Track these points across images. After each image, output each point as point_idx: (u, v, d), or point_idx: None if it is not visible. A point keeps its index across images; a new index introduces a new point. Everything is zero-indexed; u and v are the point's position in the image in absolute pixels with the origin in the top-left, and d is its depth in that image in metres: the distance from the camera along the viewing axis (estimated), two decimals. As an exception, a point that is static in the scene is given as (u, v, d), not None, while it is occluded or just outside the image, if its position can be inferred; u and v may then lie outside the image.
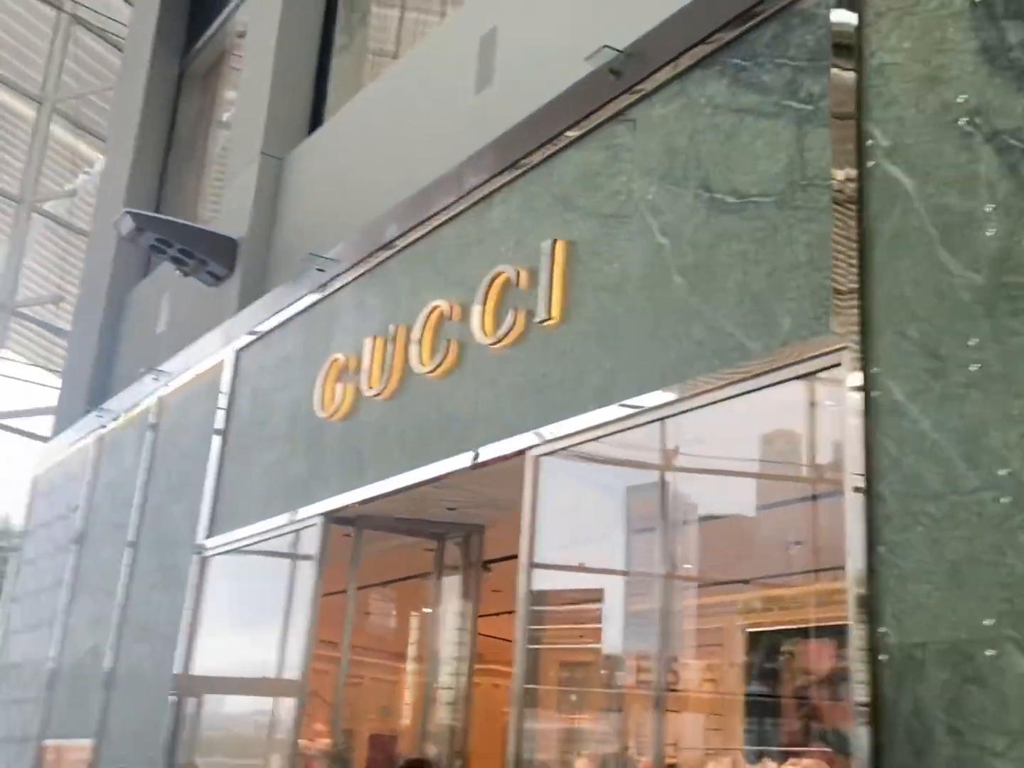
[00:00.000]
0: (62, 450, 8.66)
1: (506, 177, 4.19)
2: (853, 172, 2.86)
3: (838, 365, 2.79)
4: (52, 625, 7.45)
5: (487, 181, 4.29)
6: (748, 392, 3.05)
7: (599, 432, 3.54)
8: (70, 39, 18.88)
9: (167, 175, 9.84)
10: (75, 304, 10.56)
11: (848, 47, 2.95)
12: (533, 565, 3.68)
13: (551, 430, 3.69)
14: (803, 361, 2.88)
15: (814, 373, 2.89)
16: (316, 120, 7.01)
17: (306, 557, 4.96)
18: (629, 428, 3.46)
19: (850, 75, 2.93)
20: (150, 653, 5.86)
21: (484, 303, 4.08)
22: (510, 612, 8.59)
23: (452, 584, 5.65)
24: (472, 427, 4.07)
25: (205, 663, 5.45)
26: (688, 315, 3.28)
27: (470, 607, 5.54)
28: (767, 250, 3.07)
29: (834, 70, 2.98)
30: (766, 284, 3.05)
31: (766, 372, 2.97)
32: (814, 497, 3.30)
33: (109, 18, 18.70)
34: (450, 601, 5.72)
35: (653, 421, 3.37)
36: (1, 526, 18.90)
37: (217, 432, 5.99)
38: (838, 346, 2.78)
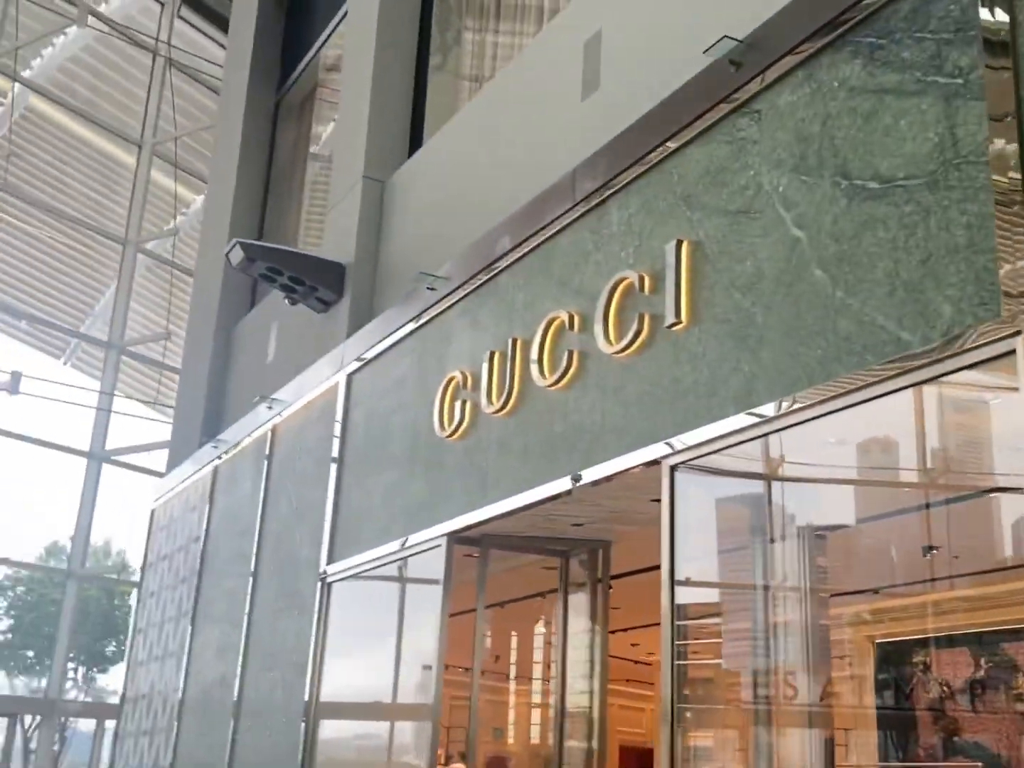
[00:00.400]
0: (179, 482, 8.84)
1: (623, 180, 4.07)
2: (1014, 145, 2.66)
3: (1011, 352, 2.59)
4: (178, 655, 7.56)
5: (603, 186, 4.18)
6: (907, 387, 2.86)
7: (740, 438, 3.38)
8: (165, 83, 19.54)
9: (267, 206, 10.03)
10: (184, 339, 10.80)
11: (998, 12, 2.76)
12: (676, 582, 3.52)
13: (686, 438, 3.54)
14: (971, 350, 2.68)
15: (984, 363, 2.68)
16: (415, 141, 7.02)
17: (431, 580, 4.89)
18: (773, 432, 3.29)
19: (1003, 41, 2.73)
20: (279, 680, 5.87)
21: (606, 311, 3.96)
22: (625, 630, 8.38)
23: (578, 602, 5.52)
24: (599, 439, 3.94)
25: (335, 689, 5.42)
26: (832, 309, 3.10)
27: (599, 625, 5.40)
28: (919, 236, 2.88)
29: (984, 38, 2.79)
30: (921, 272, 2.86)
31: (928, 364, 2.78)
32: (990, 495, 3.08)
33: (201, 58, 19.27)
34: (577, 619, 5.59)
35: (798, 424, 3.19)
36: (115, 560, 19.45)
37: (334, 457, 6.00)
38: (1010, 331, 2.58)
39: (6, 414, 15.40)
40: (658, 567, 3.66)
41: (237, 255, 6.12)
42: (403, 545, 5.04)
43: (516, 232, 4.74)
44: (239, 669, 6.39)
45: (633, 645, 9.09)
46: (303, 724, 5.38)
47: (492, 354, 4.66)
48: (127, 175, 19.32)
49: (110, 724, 18.27)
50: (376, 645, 5.41)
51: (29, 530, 18.43)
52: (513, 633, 6.25)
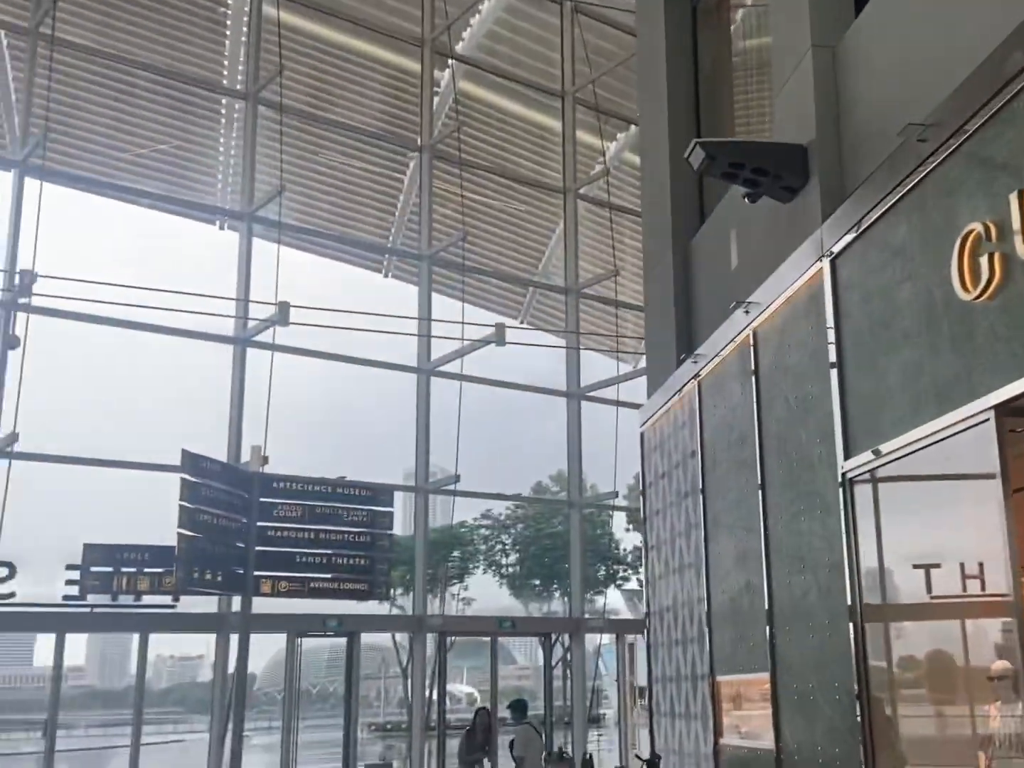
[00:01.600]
0: (663, 402, 8.98)
1: None
2: None
3: None
4: (696, 566, 7.70)
5: None
6: None
7: None
8: (574, 32, 20.05)
9: (700, 116, 9.79)
10: (643, 267, 10.98)
11: None
12: None
13: None
14: None
15: None
16: (861, -5, 6.31)
17: (974, 465, 4.37)
18: None
19: None
20: (812, 583, 5.68)
21: None
22: None
23: None
24: None
25: (879, 589, 5.09)
26: None
27: None
28: None
29: None
30: None
31: None
32: None
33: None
34: None
35: None
36: (591, 492, 20.62)
37: (832, 347, 5.63)
38: None
39: (492, 365, 16.94)
40: None
41: (698, 156, 5.94)
42: (937, 427, 4.55)
43: (1031, 42, 3.99)
44: (764, 574, 6.31)
45: None
46: (851, 626, 5.14)
47: (1022, 192, 3.98)
48: (537, 132, 20.10)
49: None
50: (914, 538, 4.99)
51: (517, 470, 20.16)
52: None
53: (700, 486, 7.73)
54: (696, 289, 9.03)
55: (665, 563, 8.62)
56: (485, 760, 12.99)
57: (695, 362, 8.10)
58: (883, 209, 5.16)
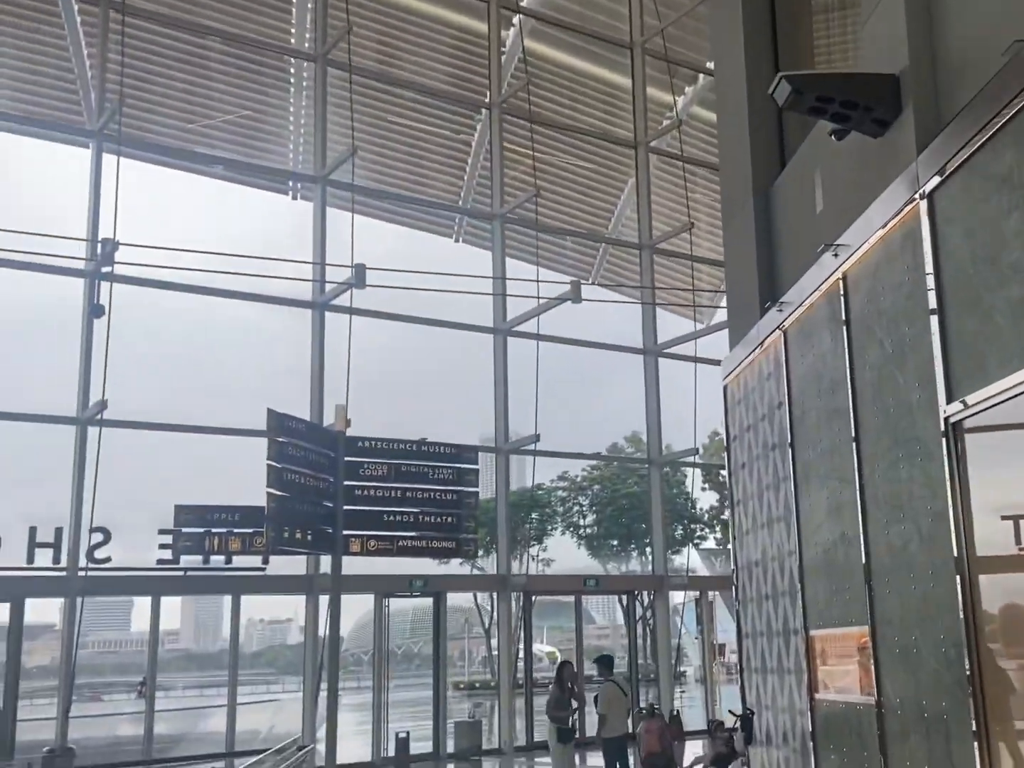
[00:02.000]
0: (746, 354, 8.75)
1: None
2: None
3: None
4: (786, 520, 7.50)
5: None
6: None
7: None
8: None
9: (779, 58, 9.43)
10: (722, 217, 10.68)
11: None
12: None
13: None
14: None
15: None
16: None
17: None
18: None
19: None
20: (913, 532, 5.46)
21: None
22: None
23: None
24: None
25: (991, 540, 4.85)
26: None
27: None
28: None
29: None
30: None
31: None
32: None
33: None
34: None
35: None
36: (667, 451, 20.46)
37: (931, 286, 5.36)
38: None
39: (567, 326, 16.79)
40: None
41: (783, 91, 5.68)
42: (1051, 364, 4.29)
43: None
44: (860, 525, 6.10)
45: None
46: (957, 577, 4.91)
47: None
48: (610, 84, 19.71)
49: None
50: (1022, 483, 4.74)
51: (592, 432, 20.04)
52: None
53: (788, 438, 7.52)
54: (778, 236, 8.75)
55: (752, 517, 8.44)
56: (574, 715, 13.00)
57: (780, 310, 7.86)
58: (986, 136, 4.86)
